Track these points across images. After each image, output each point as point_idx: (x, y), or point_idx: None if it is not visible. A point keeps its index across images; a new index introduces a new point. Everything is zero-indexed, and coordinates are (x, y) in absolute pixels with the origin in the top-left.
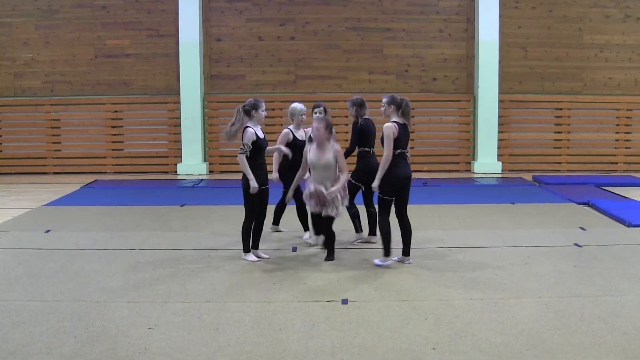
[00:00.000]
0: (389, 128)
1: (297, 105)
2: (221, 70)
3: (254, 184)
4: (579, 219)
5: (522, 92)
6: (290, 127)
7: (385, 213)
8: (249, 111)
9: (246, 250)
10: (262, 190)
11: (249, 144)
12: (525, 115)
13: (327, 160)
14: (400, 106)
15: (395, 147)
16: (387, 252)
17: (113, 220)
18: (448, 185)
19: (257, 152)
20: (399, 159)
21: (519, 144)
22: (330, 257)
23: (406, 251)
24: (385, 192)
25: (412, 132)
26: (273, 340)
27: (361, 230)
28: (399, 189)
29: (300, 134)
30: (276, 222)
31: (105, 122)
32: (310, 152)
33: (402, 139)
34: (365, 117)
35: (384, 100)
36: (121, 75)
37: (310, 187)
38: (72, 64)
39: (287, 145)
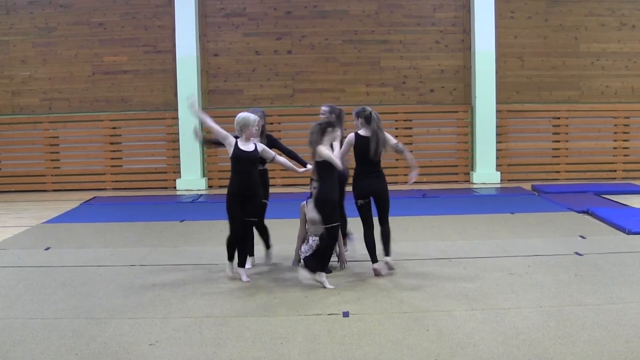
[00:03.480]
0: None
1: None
2: (219, 85)
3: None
4: (578, 227)
5: (520, 101)
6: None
7: (364, 225)
8: None
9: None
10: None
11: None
12: (523, 125)
13: None
14: (365, 118)
15: (357, 161)
16: (371, 259)
17: (113, 236)
18: (447, 196)
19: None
20: (360, 172)
21: (517, 154)
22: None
23: (385, 251)
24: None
25: (410, 143)
26: (275, 354)
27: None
28: (374, 199)
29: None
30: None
31: (103, 138)
32: (309, 208)
33: (362, 150)
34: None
35: (353, 113)
36: (119, 91)
37: (309, 245)
38: (70, 81)
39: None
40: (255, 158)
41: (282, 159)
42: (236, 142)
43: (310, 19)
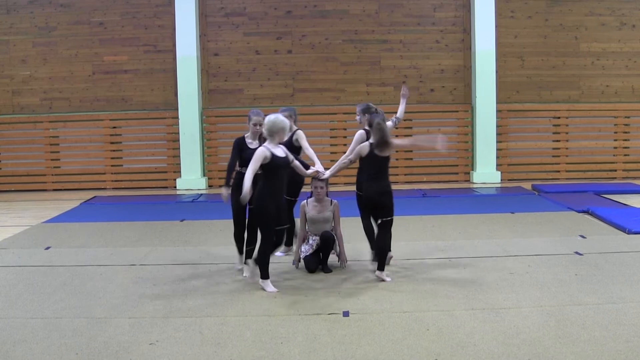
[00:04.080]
0: (358, 134)
1: (285, 120)
2: (219, 84)
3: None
4: (578, 227)
5: (520, 101)
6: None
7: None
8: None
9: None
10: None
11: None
12: (523, 125)
13: (326, 216)
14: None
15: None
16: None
17: (113, 236)
18: (447, 196)
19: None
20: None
21: (517, 154)
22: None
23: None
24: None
25: None
26: (275, 354)
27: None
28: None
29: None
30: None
31: (103, 138)
32: (310, 207)
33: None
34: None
35: (358, 109)
36: (119, 91)
37: (310, 244)
38: (70, 80)
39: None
40: (288, 164)
41: (297, 162)
42: (271, 152)
43: (311, 18)
